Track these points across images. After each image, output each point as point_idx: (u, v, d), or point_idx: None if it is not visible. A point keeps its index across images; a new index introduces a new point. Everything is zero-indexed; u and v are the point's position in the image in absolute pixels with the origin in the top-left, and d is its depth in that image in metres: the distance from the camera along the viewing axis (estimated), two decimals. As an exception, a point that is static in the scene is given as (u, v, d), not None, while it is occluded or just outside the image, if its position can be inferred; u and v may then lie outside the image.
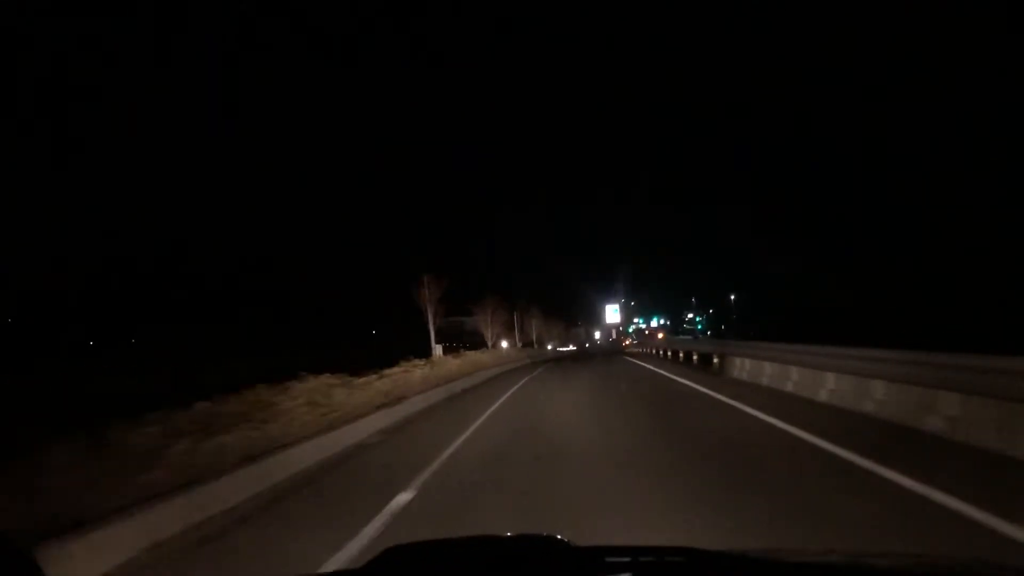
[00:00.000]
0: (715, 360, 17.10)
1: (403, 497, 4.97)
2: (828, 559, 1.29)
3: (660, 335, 64.58)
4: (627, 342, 73.38)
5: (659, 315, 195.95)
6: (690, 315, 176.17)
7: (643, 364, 25.02)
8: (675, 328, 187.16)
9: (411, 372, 13.35)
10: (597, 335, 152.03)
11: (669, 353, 28.27)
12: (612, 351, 54.05)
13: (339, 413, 7.78)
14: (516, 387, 16.51)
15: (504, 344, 33.60)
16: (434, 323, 25.74)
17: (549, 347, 49.95)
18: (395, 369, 12.83)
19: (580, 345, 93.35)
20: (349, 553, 3.68)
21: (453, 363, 18.15)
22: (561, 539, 1.10)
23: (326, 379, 8.64)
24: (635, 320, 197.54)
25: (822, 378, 9.09)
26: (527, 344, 42.71)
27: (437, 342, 25.49)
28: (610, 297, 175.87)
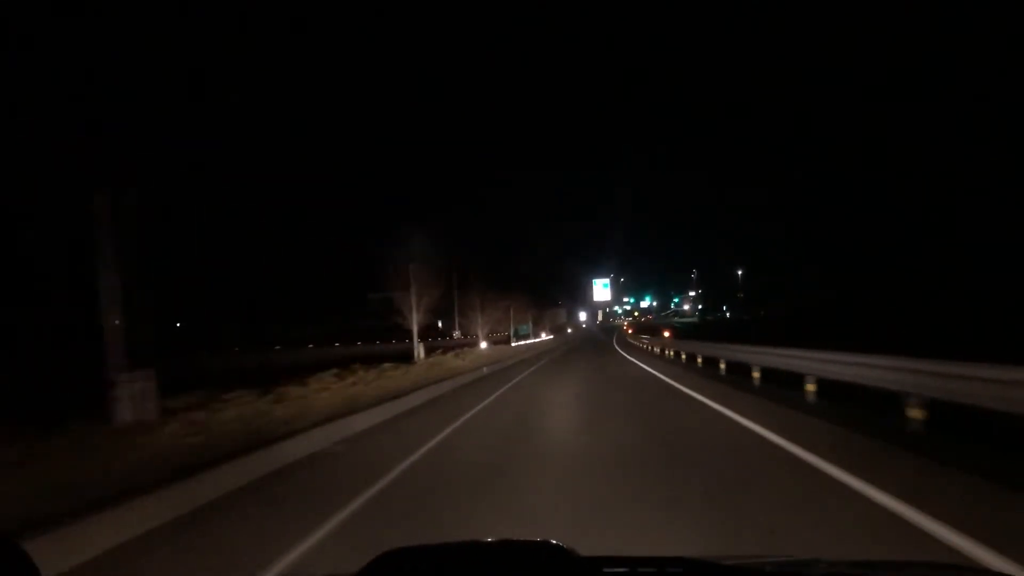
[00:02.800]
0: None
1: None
2: (832, 570, 1.33)
3: None
4: (657, 331, 45.66)
5: (650, 294, 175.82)
6: (691, 293, 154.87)
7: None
8: (662, 309, 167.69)
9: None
10: (583, 316, 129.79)
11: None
12: (615, 352, 30.94)
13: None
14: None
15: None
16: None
17: (484, 346, 26.25)
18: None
19: (560, 331, 70.26)
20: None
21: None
22: (560, 546, 1.07)
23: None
24: (625, 299, 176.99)
25: None
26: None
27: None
28: (597, 271, 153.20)
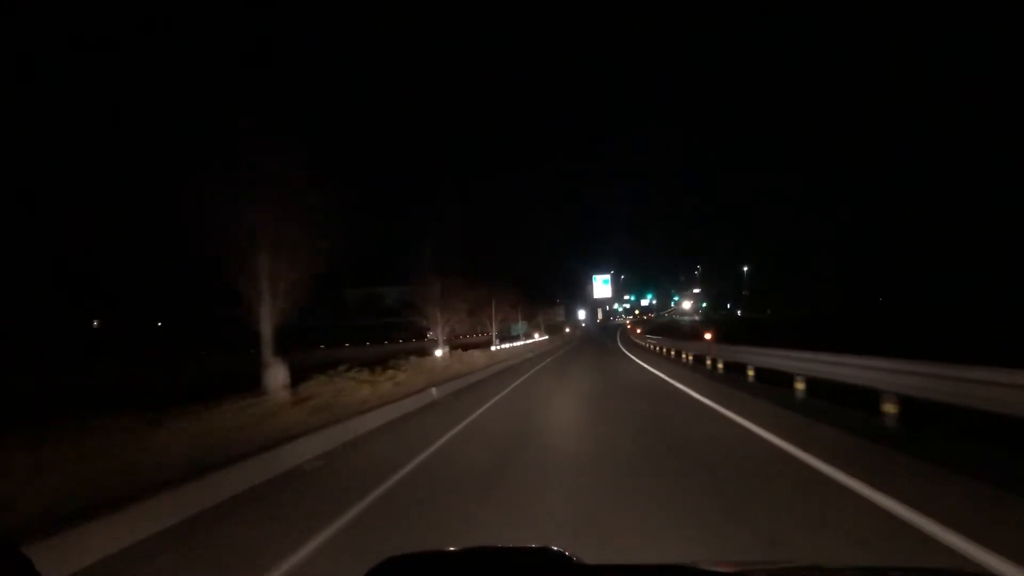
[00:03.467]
0: None
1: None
2: None
3: None
4: (669, 332, 39.75)
5: (652, 292, 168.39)
6: (696, 291, 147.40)
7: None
8: (662, 307, 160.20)
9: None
10: (582, 315, 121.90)
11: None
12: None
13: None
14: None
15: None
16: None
17: (439, 353, 18.31)
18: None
19: (557, 331, 62.80)
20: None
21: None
22: (562, 552, 1.03)
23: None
24: (625, 297, 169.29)
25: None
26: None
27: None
28: (596, 268, 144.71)
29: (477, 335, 39.83)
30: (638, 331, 47.24)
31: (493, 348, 25.91)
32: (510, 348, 28.86)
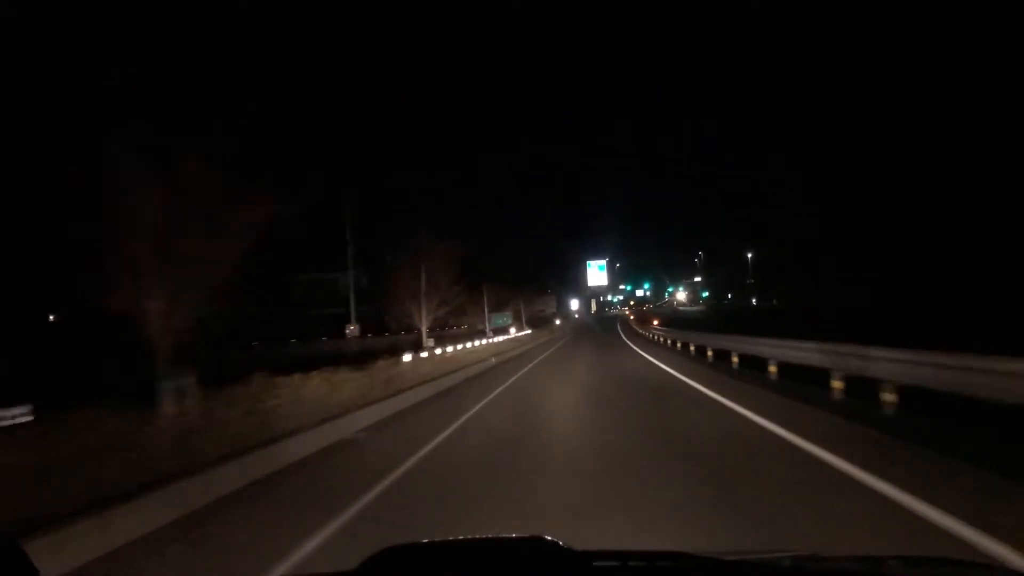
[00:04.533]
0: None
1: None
2: (827, 566, 1.30)
3: None
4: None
5: (650, 281, 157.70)
6: (697, 279, 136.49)
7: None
8: (657, 298, 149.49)
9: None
10: (575, 305, 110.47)
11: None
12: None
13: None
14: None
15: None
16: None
17: None
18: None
19: (544, 324, 51.63)
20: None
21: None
22: (552, 541, 1.07)
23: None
24: (621, 287, 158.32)
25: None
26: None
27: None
28: (592, 253, 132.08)
29: (444, 327, 28.31)
30: (655, 322, 34.90)
31: (424, 355, 14.36)
32: (448, 356, 17.03)
